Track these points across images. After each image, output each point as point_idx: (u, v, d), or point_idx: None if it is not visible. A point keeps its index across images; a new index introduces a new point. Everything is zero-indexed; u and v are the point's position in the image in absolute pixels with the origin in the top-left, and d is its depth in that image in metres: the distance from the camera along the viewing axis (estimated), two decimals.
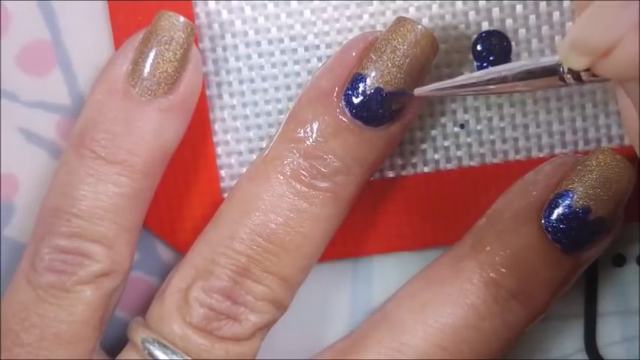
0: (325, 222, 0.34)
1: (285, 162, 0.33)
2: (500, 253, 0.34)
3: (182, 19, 0.33)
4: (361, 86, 0.33)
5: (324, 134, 0.33)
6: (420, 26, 0.33)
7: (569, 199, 0.34)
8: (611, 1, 0.25)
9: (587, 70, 0.27)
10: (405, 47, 0.33)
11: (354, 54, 0.34)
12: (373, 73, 0.33)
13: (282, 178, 0.33)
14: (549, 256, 0.34)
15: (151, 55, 0.33)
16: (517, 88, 0.30)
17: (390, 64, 0.33)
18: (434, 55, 0.34)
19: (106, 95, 0.34)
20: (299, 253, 0.34)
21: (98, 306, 0.33)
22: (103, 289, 0.33)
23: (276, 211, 0.33)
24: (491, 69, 0.31)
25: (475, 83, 0.31)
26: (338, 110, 0.33)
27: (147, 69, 0.33)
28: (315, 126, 0.33)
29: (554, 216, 0.34)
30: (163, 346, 0.33)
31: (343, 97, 0.33)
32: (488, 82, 0.31)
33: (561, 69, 0.28)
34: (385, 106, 0.33)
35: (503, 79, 0.30)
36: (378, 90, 0.33)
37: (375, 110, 0.33)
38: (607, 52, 0.25)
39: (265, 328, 0.34)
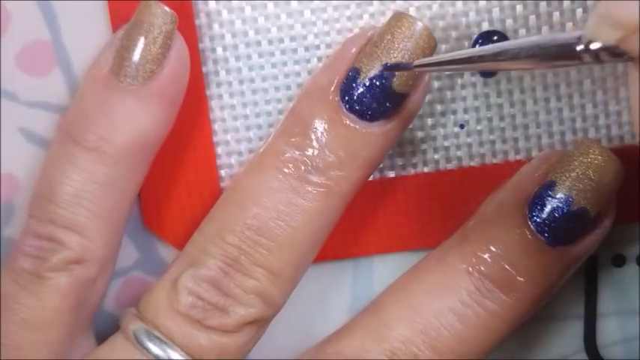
0: (318, 217, 0.34)
1: (280, 155, 0.33)
2: (484, 243, 0.34)
3: (163, 8, 0.34)
4: (355, 80, 0.33)
5: (319, 128, 0.33)
6: (417, 22, 0.33)
7: (551, 189, 0.34)
8: None
9: (607, 49, 0.26)
10: (401, 42, 0.33)
11: (353, 50, 0.34)
12: (367, 67, 0.33)
13: (275, 171, 0.33)
14: (533, 248, 0.34)
15: (131, 42, 0.34)
16: (528, 65, 0.28)
17: (384, 59, 0.33)
18: (430, 51, 0.34)
19: (90, 84, 0.34)
20: (290, 247, 0.33)
21: (69, 293, 0.33)
22: (74, 276, 0.33)
23: (269, 204, 0.33)
24: (500, 43, 0.29)
25: (482, 57, 0.30)
26: (333, 104, 0.34)
27: (126, 56, 0.34)
28: (311, 120, 0.34)
29: (537, 207, 0.34)
30: (148, 332, 0.33)
31: (339, 91, 0.34)
32: (497, 56, 0.29)
33: (578, 47, 0.26)
34: (379, 99, 0.33)
35: (514, 55, 0.28)
36: (371, 83, 0.33)
37: (369, 104, 0.33)
38: None
39: (255, 323, 0.34)
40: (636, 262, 0.38)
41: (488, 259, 0.34)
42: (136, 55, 0.33)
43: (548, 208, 0.34)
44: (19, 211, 0.37)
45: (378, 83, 0.33)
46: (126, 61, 0.33)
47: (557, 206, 0.34)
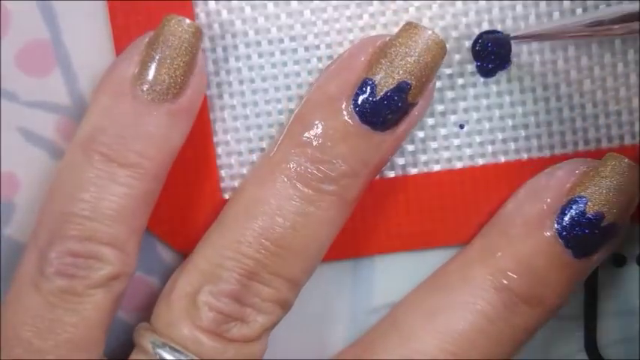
0: (330, 223, 0.34)
1: (292, 165, 0.33)
2: (512, 259, 0.34)
3: (191, 22, 0.33)
4: (371, 92, 0.33)
5: (332, 139, 0.33)
6: (430, 32, 0.33)
7: (583, 205, 0.34)
8: None
9: None
10: (417, 54, 0.33)
11: (362, 58, 0.34)
12: (384, 80, 0.33)
13: (288, 181, 0.33)
14: (560, 260, 0.34)
15: (160, 59, 0.33)
16: (621, 31, 0.29)
17: (401, 71, 0.33)
18: (442, 60, 0.34)
19: (112, 98, 0.34)
20: (305, 254, 0.34)
21: (108, 309, 0.33)
22: (112, 292, 0.33)
23: (283, 214, 0.33)
24: (592, 13, 0.30)
25: (577, 27, 0.31)
26: (346, 115, 0.33)
27: (155, 73, 0.33)
28: (323, 130, 0.33)
29: (568, 222, 0.34)
30: (174, 350, 0.33)
31: (352, 103, 0.33)
32: (591, 25, 0.30)
33: None
34: (395, 111, 0.33)
35: (612, 21, 0.30)
36: (388, 96, 0.33)
37: (385, 115, 0.33)
38: None
39: (271, 327, 0.34)
40: (636, 262, 0.38)
41: (516, 275, 0.34)
42: (167, 75, 0.33)
43: (579, 224, 0.34)
44: (19, 210, 0.37)
45: (396, 97, 0.33)
46: (157, 80, 0.33)
47: (589, 222, 0.34)
